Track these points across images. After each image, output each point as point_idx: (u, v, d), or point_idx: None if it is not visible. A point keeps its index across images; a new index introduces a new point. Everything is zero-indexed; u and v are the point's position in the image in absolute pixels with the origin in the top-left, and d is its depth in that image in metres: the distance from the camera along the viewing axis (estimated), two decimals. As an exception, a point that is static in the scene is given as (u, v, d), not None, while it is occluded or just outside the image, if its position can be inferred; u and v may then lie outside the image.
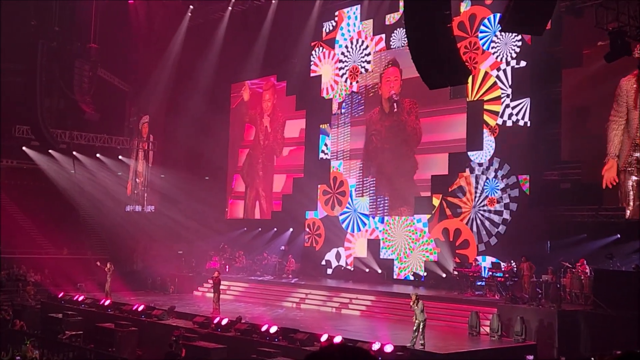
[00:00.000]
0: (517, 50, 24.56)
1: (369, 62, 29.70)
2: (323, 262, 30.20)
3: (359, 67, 30.06)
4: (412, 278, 26.74)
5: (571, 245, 21.92)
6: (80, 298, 25.53)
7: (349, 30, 30.66)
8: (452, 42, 12.30)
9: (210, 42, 34.70)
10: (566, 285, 20.82)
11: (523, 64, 24.40)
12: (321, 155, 31.15)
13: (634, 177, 21.21)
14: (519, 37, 24.27)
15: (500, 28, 21.44)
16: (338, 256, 29.86)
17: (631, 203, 21.25)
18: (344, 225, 29.75)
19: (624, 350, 1.94)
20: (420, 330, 17.09)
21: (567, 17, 22.47)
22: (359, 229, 29.17)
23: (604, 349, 15.66)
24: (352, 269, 29.10)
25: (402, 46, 27.57)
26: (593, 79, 22.05)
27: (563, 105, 23.31)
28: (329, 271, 29.84)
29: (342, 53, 30.81)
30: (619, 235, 21.28)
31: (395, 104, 28.39)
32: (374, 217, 28.75)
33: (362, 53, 30.02)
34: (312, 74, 31.98)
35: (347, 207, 29.79)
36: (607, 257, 20.47)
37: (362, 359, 1.77)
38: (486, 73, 25.34)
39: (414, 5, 12.48)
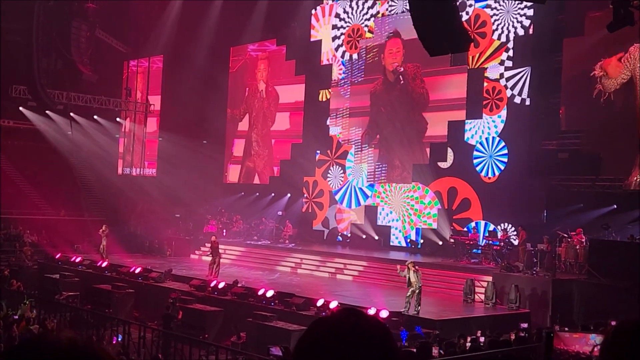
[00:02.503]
0: (520, 18, 24.36)
1: (369, 27, 29.44)
2: (320, 228, 30.32)
3: (360, 30, 29.78)
4: (408, 245, 26.87)
5: (568, 215, 21.98)
6: (78, 259, 25.63)
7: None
8: (454, 9, 12.16)
9: (210, 4, 34.32)
10: (561, 254, 20.95)
11: (525, 32, 24.24)
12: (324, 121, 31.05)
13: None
14: (522, 5, 24.03)
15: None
16: (334, 222, 29.96)
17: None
18: (337, 198, 29.77)
19: (620, 321, 1.93)
20: (416, 296, 17.23)
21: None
22: (358, 204, 29.14)
23: (596, 317, 15.79)
24: (349, 234, 29.21)
25: (404, 11, 27.28)
26: (595, 49, 21.88)
27: (563, 75, 23.18)
28: (326, 237, 29.94)
29: (342, 18, 30.52)
30: (615, 206, 21.33)
31: (400, 76, 28.24)
32: (372, 186, 28.75)
33: (362, 18, 29.74)
34: (312, 39, 31.73)
35: (345, 177, 29.80)
36: (603, 227, 20.56)
37: (376, 330, 1.74)
38: (489, 41, 25.18)
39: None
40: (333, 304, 17.57)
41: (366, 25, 29.50)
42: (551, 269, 19.83)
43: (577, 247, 20.65)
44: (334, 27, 30.84)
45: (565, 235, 21.08)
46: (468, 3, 25.79)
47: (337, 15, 30.79)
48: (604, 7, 18.57)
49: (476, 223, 24.88)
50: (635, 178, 21.27)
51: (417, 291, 17.25)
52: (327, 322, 1.74)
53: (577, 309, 18.69)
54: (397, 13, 28.33)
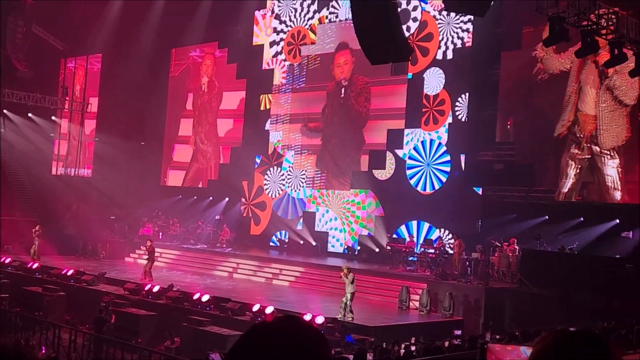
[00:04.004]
0: (459, 30, 24.88)
1: (313, 31, 29.54)
2: (258, 233, 30.21)
3: (303, 32, 29.85)
4: (345, 251, 27.00)
5: (501, 225, 22.48)
6: (7, 260, 24.83)
7: (295, 1, 30.37)
8: (396, 18, 12.32)
9: (151, 4, 33.85)
10: (494, 263, 21.39)
11: (464, 44, 24.76)
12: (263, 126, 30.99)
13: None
14: (462, 17, 24.54)
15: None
16: (273, 227, 29.91)
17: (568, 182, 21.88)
18: (275, 206, 29.73)
19: (556, 331, 1.99)
20: (348, 302, 17.36)
21: (509, 0, 22.80)
22: (296, 214, 29.14)
23: (527, 325, 16.16)
24: (286, 240, 29.19)
25: (347, 19, 27.47)
26: (532, 62, 22.48)
27: (501, 87, 23.75)
28: (264, 242, 29.83)
29: (283, 21, 30.57)
30: (547, 217, 21.92)
31: (343, 89, 28.43)
32: (311, 192, 28.82)
33: (305, 21, 29.83)
34: (254, 43, 31.65)
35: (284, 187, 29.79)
36: (535, 237, 21.12)
37: (311, 338, 1.75)
38: (428, 51, 25.63)
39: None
40: (269, 309, 17.52)
41: (310, 29, 29.57)
42: (484, 277, 20.24)
43: (510, 256, 21.13)
44: (276, 31, 30.84)
45: (499, 244, 21.55)
46: (412, 16, 26.15)
47: (278, 18, 30.81)
48: (540, 23, 19.10)
49: (418, 227, 25.21)
50: (563, 189, 21.91)
51: (349, 296, 17.42)
52: (264, 328, 1.74)
53: (508, 317, 19.10)
54: (340, 20, 28.51)
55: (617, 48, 16.71)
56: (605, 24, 16.43)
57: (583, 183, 21.64)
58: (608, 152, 21.07)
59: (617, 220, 20.56)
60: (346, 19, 27.71)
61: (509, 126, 23.73)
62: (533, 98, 23.11)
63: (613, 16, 16.44)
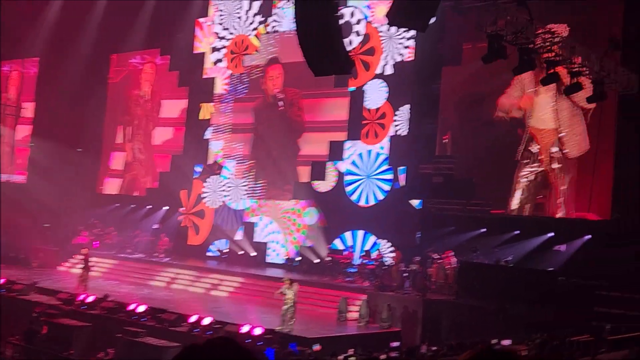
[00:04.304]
0: (402, 45, 25.20)
1: (255, 42, 29.46)
2: (197, 243, 29.82)
3: (245, 41, 29.73)
4: (285, 262, 26.90)
5: (440, 237, 22.76)
6: None
7: (238, 10, 30.23)
8: (338, 31, 12.39)
9: (92, 8, 33.20)
10: (432, 275, 21.63)
11: (406, 58, 25.08)
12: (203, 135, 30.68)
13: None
14: (405, 32, 24.86)
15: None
16: (212, 237, 29.58)
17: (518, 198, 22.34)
18: (218, 222, 29.46)
19: (478, 347, 2.04)
20: (289, 313, 17.27)
21: (451, 16, 23.19)
22: (235, 224, 28.91)
23: (464, 337, 16.37)
24: (226, 250, 28.89)
25: (289, 30, 27.51)
26: (471, 78, 22.92)
27: (442, 101, 24.14)
28: (203, 252, 29.46)
29: (226, 28, 30.41)
30: (485, 229, 22.32)
31: (280, 101, 28.43)
32: (251, 202, 28.65)
33: (248, 29, 29.73)
34: (195, 51, 31.38)
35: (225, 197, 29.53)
36: (471, 250, 21.47)
37: (245, 357, 1.75)
38: (370, 64, 25.87)
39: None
40: (206, 320, 17.29)
41: (255, 36, 29.46)
42: (422, 289, 20.44)
43: (447, 268, 21.40)
44: (218, 39, 30.64)
45: (437, 256, 21.81)
46: (356, 29, 26.35)
47: (221, 26, 30.62)
48: (480, 40, 19.47)
49: (358, 238, 25.30)
50: (513, 205, 22.38)
51: (290, 308, 17.33)
52: (197, 349, 1.76)
53: (445, 329, 19.29)
54: (283, 31, 28.51)
55: (553, 67, 17.20)
56: (542, 43, 16.89)
57: (533, 198, 22.13)
58: (561, 166, 21.58)
59: (552, 234, 21.08)
60: (289, 30, 27.74)
61: (445, 141, 24.13)
62: (473, 113, 23.54)
63: (549, 35, 16.90)
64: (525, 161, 22.23)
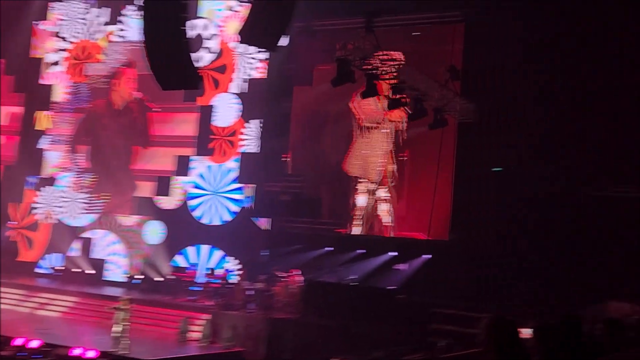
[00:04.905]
0: (254, 62, 25.12)
1: (100, 51, 28.23)
2: (29, 260, 27.88)
3: (89, 49, 28.41)
4: (125, 280, 25.73)
5: (287, 255, 22.73)
6: None
7: (82, 16, 28.86)
8: (187, 45, 12.04)
9: None
10: (277, 293, 21.49)
11: (258, 76, 25.00)
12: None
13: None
14: (256, 50, 24.76)
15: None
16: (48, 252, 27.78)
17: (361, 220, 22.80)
18: (53, 237, 27.77)
19: None
20: (123, 334, 16.55)
21: (302, 37, 23.48)
22: (72, 239, 27.36)
23: (308, 356, 16.33)
24: (61, 267, 27.16)
25: (137, 41, 26.57)
26: (322, 98, 23.25)
27: (293, 120, 24.29)
28: (36, 269, 27.54)
29: (68, 35, 28.95)
30: (331, 248, 22.58)
31: (126, 109, 27.37)
32: (88, 217, 27.27)
33: (93, 41, 28.44)
34: (32, 55, 29.56)
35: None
36: (317, 268, 21.62)
37: None
38: (221, 80, 25.56)
39: (151, 5, 12.01)
40: (34, 343, 16.06)
41: (100, 43, 28.19)
42: (267, 307, 20.25)
43: (293, 287, 21.35)
44: (59, 45, 29.06)
45: (283, 275, 21.73)
46: (207, 44, 25.91)
47: (61, 32, 29.08)
48: (330, 62, 19.76)
49: (203, 255, 24.71)
50: (353, 227, 22.87)
51: (124, 329, 16.59)
52: None
53: (290, 348, 19.15)
54: (130, 41, 27.49)
55: (399, 92, 17.79)
56: (388, 70, 17.43)
57: (371, 218, 22.69)
58: (383, 188, 22.37)
59: (395, 253, 21.71)
60: (137, 41, 26.78)
61: (287, 159, 24.34)
62: (321, 133, 23.88)
63: (394, 62, 17.47)
64: (361, 180, 22.89)
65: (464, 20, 21.65)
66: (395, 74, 17.48)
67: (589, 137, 19.46)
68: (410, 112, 18.81)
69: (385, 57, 17.53)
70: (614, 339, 4.99)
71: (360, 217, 22.90)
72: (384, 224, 22.60)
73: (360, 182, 23.01)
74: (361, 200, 23.01)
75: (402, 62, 18.28)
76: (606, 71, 19.11)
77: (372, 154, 22.96)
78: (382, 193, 22.65)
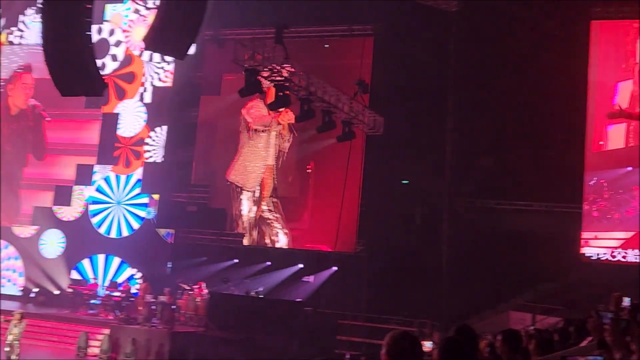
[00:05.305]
0: (161, 70, 24.58)
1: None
2: None
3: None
4: (21, 293, 24.55)
5: (192, 268, 22.32)
6: None
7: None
8: (91, 50, 11.60)
9: None
10: (182, 306, 21.05)
11: (164, 84, 24.45)
12: None
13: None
14: (163, 58, 24.25)
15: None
16: None
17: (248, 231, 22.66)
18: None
19: None
20: (13, 350, 15.76)
21: (210, 46, 23.22)
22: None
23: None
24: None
25: (36, 44, 25.48)
26: (229, 108, 22.99)
27: (199, 130, 23.91)
28: None
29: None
30: (237, 260, 22.32)
31: (24, 115, 26.21)
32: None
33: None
34: None
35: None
36: (223, 280, 21.32)
37: None
38: (127, 88, 24.89)
39: (52, 8, 11.50)
40: None
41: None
42: (170, 321, 19.76)
43: (198, 299, 20.96)
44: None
45: (187, 287, 21.30)
46: (113, 51, 25.17)
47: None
48: (238, 72, 19.57)
49: (103, 268, 23.89)
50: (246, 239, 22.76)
51: (15, 344, 15.83)
52: None
53: (192, 362, 18.79)
54: (29, 44, 26.36)
55: (307, 104, 17.76)
56: (297, 82, 17.38)
57: (252, 229, 22.64)
58: (268, 202, 22.44)
59: (302, 265, 21.67)
60: (36, 44, 25.68)
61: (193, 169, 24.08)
62: (224, 143, 23.63)
63: (302, 74, 17.43)
64: (243, 189, 22.91)
65: (373, 34, 21.92)
66: (302, 86, 17.42)
67: (493, 152, 20.20)
68: (298, 113, 18.60)
69: (293, 69, 17.44)
70: (511, 350, 5.06)
71: (244, 226, 22.81)
72: (271, 236, 22.58)
73: (243, 190, 22.93)
74: (245, 209, 22.91)
75: (306, 74, 18.08)
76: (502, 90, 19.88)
77: (252, 163, 22.96)
78: (265, 205, 22.67)
